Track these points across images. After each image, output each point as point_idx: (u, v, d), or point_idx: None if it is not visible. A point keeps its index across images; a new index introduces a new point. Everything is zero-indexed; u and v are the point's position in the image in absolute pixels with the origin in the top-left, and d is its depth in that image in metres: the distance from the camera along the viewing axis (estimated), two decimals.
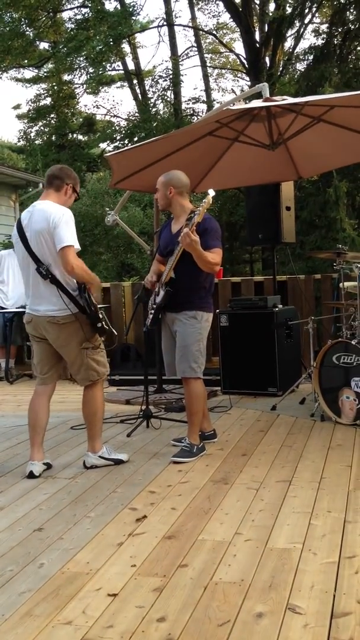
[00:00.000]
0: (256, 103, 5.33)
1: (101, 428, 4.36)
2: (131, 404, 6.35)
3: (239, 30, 21.94)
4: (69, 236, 3.97)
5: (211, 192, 4.14)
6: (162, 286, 4.48)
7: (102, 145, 25.63)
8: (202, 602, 2.48)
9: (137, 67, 24.55)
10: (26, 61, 23.72)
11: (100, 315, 4.16)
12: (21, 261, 4.21)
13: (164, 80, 22.53)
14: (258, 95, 5.98)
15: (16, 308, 8.12)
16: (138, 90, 24.26)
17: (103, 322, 4.17)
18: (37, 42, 23.03)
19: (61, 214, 4.03)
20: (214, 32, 25.55)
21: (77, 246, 4.01)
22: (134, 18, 21.55)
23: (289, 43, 21.27)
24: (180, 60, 23.82)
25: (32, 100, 25.04)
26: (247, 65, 21.77)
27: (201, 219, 4.19)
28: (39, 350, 4.32)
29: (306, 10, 15.65)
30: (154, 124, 20.18)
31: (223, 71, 27.66)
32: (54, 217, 4.00)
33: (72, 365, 4.25)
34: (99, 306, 4.23)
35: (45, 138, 25.45)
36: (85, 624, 2.37)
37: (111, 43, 20.39)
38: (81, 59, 21.39)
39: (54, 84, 24.16)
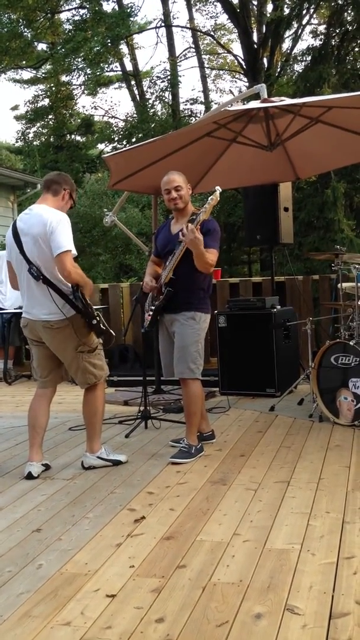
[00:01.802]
0: (254, 104, 5.33)
1: (100, 429, 4.36)
2: (129, 404, 6.35)
3: (236, 31, 21.94)
4: (66, 241, 3.97)
5: (218, 189, 4.14)
6: (162, 286, 4.48)
7: (100, 146, 25.66)
8: (200, 603, 2.48)
9: (135, 68, 24.56)
10: (24, 62, 23.71)
11: (96, 315, 4.16)
12: (16, 265, 4.21)
13: (162, 81, 22.56)
14: (256, 96, 5.98)
15: (14, 309, 8.12)
16: (136, 91, 24.27)
17: (100, 322, 4.17)
18: (35, 43, 23.01)
19: (58, 219, 4.03)
20: (212, 33, 25.57)
21: (74, 251, 4.02)
22: (131, 19, 21.55)
23: (286, 44, 21.31)
24: (178, 61, 23.85)
25: (30, 101, 25.02)
26: (245, 66, 21.78)
27: (207, 216, 4.20)
28: (37, 354, 4.32)
29: (304, 12, 15.67)
30: (152, 125, 20.19)
31: (221, 72, 27.68)
32: (51, 221, 4.00)
33: (69, 368, 4.25)
34: (95, 307, 4.23)
35: (43, 139, 25.43)
36: (84, 625, 2.37)
37: (109, 44, 20.38)
38: (79, 60, 21.39)
39: (52, 85, 24.15)
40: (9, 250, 4.24)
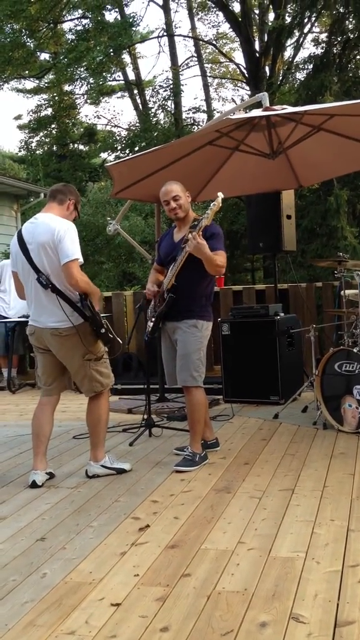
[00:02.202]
0: (256, 112, 5.35)
1: (104, 437, 4.36)
2: (133, 413, 6.34)
3: (238, 40, 22.00)
4: (73, 250, 4.00)
5: (220, 195, 4.15)
6: (164, 293, 4.49)
7: (103, 155, 25.72)
8: (205, 612, 2.48)
9: (137, 77, 24.65)
10: (27, 72, 23.79)
11: (104, 323, 4.18)
12: (22, 274, 4.22)
13: (164, 90, 22.59)
14: (258, 105, 6.00)
15: (18, 317, 8.13)
16: (139, 100, 24.35)
17: (107, 331, 4.19)
18: (38, 53, 23.11)
19: (66, 227, 4.06)
20: (214, 42, 25.66)
21: (81, 259, 4.05)
22: (134, 29, 21.63)
23: (288, 52, 21.34)
24: (180, 70, 23.92)
25: (33, 111, 25.12)
26: (247, 75, 21.83)
27: (209, 222, 4.21)
28: (43, 361, 4.33)
29: (305, 20, 15.67)
30: (155, 134, 20.23)
31: (223, 81, 27.76)
32: (58, 230, 4.02)
33: (76, 376, 4.26)
34: (101, 315, 4.25)
35: (46, 148, 25.52)
36: (89, 634, 2.36)
37: (111, 53, 20.47)
38: (82, 69, 21.47)
39: (55, 94, 24.24)
40: (14, 260, 4.26)
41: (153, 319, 4.60)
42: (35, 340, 4.27)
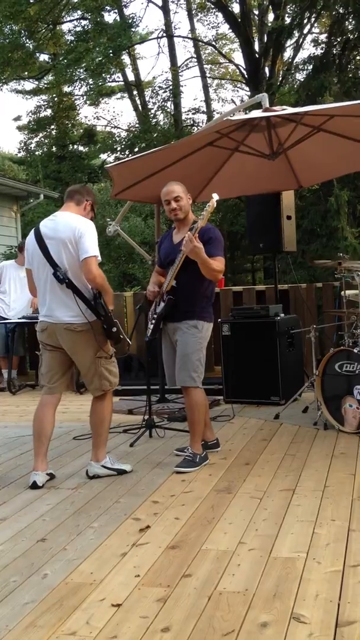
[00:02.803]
0: (256, 113, 5.35)
1: (107, 438, 4.36)
2: (134, 413, 6.34)
3: (238, 40, 22.03)
4: (93, 247, 4.08)
5: (215, 197, 4.15)
6: (163, 295, 4.49)
7: (103, 156, 25.73)
8: (206, 612, 2.48)
9: (137, 78, 24.67)
10: (26, 73, 23.82)
11: (116, 322, 4.22)
12: (37, 269, 4.25)
13: (164, 91, 22.63)
14: (258, 106, 6.00)
15: (18, 319, 8.13)
16: (138, 101, 24.37)
17: (119, 331, 4.22)
18: (37, 54, 23.13)
19: (87, 225, 4.16)
20: (213, 42, 25.68)
21: (99, 258, 4.11)
22: (133, 30, 21.65)
23: (288, 53, 21.36)
24: (180, 71, 23.94)
25: (32, 112, 25.16)
26: (246, 76, 21.85)
27: (205, 224, 4.21)
28: (50, 359, 4.33)
29: (305, 21, 15.68)
30: (155, 135, 20.25)
31: (223, 82, 27.78)
32: (80, 227, 4.10)
33: (86, 374, 4.26)
34: None
35: (45, 149, 25.55)
36: (89, 635, 2.36)
37: (111, 54, 20.48)
38: (81, 70, 21.50)
39: (54, 95, 24.28)
40: (30, 257, 4.29)
41: (153, 320, 4.61)
42: (47, 337, 4.28)
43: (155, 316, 4.58)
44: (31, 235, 4.28)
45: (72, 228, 4.10)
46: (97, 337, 4.16)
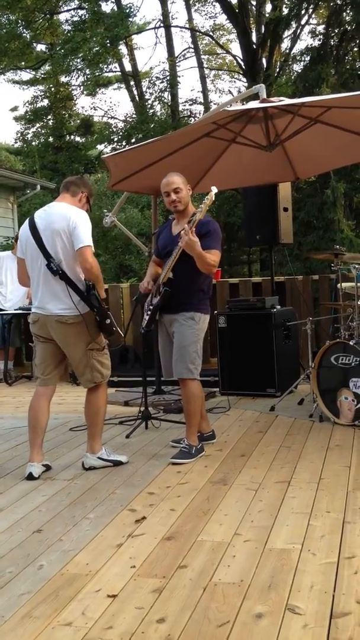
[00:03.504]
0: (253, 104, 5.33)
1: (102, 429, 4.36)
2: (130, 405, 6.35)
3: (235, 31, 21.95)
4: (87, 237, 4.07)
5: (214, 190, 4.14)
6: (160, 286, 4.49)
7: (100, 147, 25.68)
8: (201, 603, 2.48)
9: (134, 68, 24.59)
10: (23, 63, 23.73)
11: (109, 314, 4.22)
12: (30, 260, 4.24)
13: (161, 82, 22.58)
14: (255, 97, 5.97)
15: (14, 310, 8.12)
16: (135, 92, 24.29)
17: (112, 323, 4.22)
18: (34, 44, 23.04)
19: (80, 216, 4.14)
20: (211, 33, 25.58)
21: (93, 248, 4.09)
22: (130, 20, 21.55)
23: (285, 44, 21.32)
24: (177, 61, 23.86)
25: (29, 102, 25.06)
26: (244, 67, 21.79)
27: (203, 216, 4.20)
28: (43, 350, 4.33)
29: (302, 12, 15.66)
30: (152, 126, 20.21)
31: (220, 72, 27.71)
32: (74, 217, 4.09)
33: (78, 366, 4.26)
34: None
35: (42, 140, 25.46)
36: (85, 625, 2.37)
37: (108, 44, 20.39)
38: (78, 60, 21.40)
39: (51, 85, 24.17)
40: (23, 247, 4.27)
41: (149, 312, 4.60)
42: (38, 329, 4.27)
43: (151, 307, 4.58)
44: (25, 226, 4.27)
45: (66, 219, 4.09)
46: (89, 329, 4.15)
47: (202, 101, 23.81)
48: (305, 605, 2.42)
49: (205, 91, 25.08)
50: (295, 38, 19.71)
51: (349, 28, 13.37)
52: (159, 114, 22.73)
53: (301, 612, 2.38)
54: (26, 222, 4.30)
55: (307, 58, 13.74)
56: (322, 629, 2.26)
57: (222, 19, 24.30)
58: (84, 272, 4.10)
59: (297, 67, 16.74)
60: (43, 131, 25.64)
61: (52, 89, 24.21)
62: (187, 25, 24.74)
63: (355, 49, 14.37)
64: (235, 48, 28.10)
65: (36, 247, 4.15)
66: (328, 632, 2.24)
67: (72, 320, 4.13)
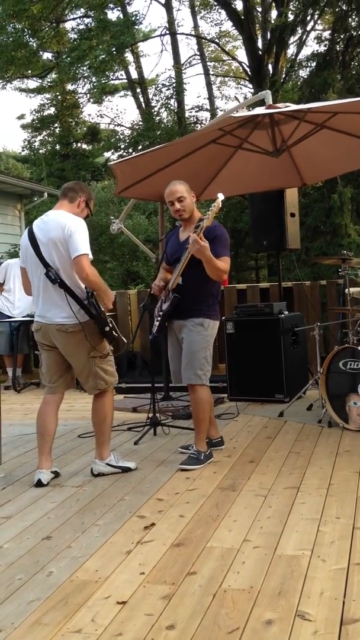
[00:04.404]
0: (259, 110, 5.35)
1: (109, 436, 4.36)
2: (138, 411, 6.35)
3: (241, 38, 21.98)
4: (84, 245, 4.04)
5: (220, 196, 4.14)
6: (169, 293, 4.49)
7: (107, 154, 25.73)
8: (211, 610, 2.48)
9: (140, 75, 24.65)
10: (30, 71, 23.82)
11: (109, 321, 4.20)
12: (30, 269, 4.25)
13: (167, 89, 22.61)
14: (261, 103, 5.99)
15: (22, 317, 8.14)
16: (141, 99, 24.36)
17: (112, 329, 4.21)
18: (41, 53, 23.13)
19: (77, 223, 4.11)
20: (217, 40, 25.64)
21: (91, 256, 4.07)
22: (136, 27, 21.62)
23: (291, 50, 21.31)
24: (183, 68, 23.92)
25: (36, 110, 25.16)
26: (249, 73, 21.81)
27: (210, 223, 4.20)
28: (47, 359, 4.34)
29: (308, 18, 15.65)
30: (158, 133, 20.25)
31: (226, 79, 27.73)
32: (69, 226, 4.06)
33: (81, 373, 4.27)
34: (107, 314, 4.26)
35: (49, 147, 25.56)
36: (95, 632, 2.37)
37: (114, 52, 20.46)
38: (84, 68, 21.48)
39: (58, 93, 24.28)
40: (24, 256, 4.28)
41: (159, 318, 4.61)
42: (41, 337, 4.28)
43: (160, 314, 4.59)
44: (25, 235, 4.27)
45: (62, 227, 4.06)
46: (90, 337, 4.15)
47: (209, 108, 23.83)
48: (315, 612, 2.41)
49: (211, 98, 25.13)
50: (301, 44, 19.70)
51: (355, 33, 13.36)
52: (165, 121, 22.77)
53: (311, 618, 2.37)
54: (26, 231, 4.30)
55: (313, 64, 13.72)
56: (333, 636, 2.25)
57: (228, 25, 24.40)
58: (82, 282, 4.09)
59: (303, 73, 16.73)
60: (50, 139, 25.74)
61: (59, 97, 24.32)
62: (193, 33, 24.81)
63: None
64: (241, 54, 28.16)
65: (35, 257, 4.15)
66: (338, 639, 2.23)
67: (72, 329, 4.13)
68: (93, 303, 4.09)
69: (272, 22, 20.17)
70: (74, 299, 4.10)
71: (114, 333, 4.23)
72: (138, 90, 24.58)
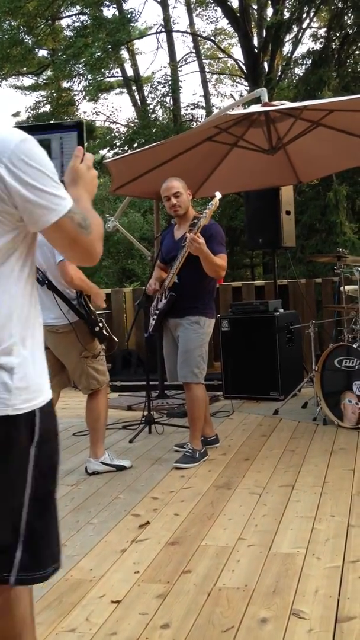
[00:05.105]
0: (255, 108, 5.35)
1: (104, 434, 4.36)
2: (133, 409, 6.34)
3: (237, 35, 21.94)
4: None
5: (218, 195, 4.14)
6: (165, 291, 4.49)
7: (102, 152, 25.66)
8: (205, 608, 2.48)
9: (136, 73, 24.59)
10: (25, 69, 23.76)
11: (99, 321, 4.19)
12: None
13: (162, 87, 22.55)
14: (257, 100, 5.99)
15: None
16: (137, 97, 24.30)
17: (103, 329, 4.20)
18: (36, 50, 23.05)
19: None
20: (212, 37, 25.58)
21: None
22: (132, 25, 21.56)
23: (287, 48, 21.28)
24: (179, 66, 23.85)
25: (31, 108, 25.12)
26: (245, 71, 21.78)
27: (208, 222, 4.20)
28: None
29: (304, 15, 15.66)
30: (154, 130, 20.20)
31: (222, 76, 27.68)
32: None
33: (74, 373, 4.27)
34: (98, 312, 4.25)
35: None
36: (89, 631, 2.36)
37: (110, 50, 20.41)
38: (80, 65, 21.42)
39: (53, 91, 24.21)
40: None
41: (155, 317, 4.60)
42: None
43: (157, 312, 4.58)
44: None
45: None
46: (81, 337, 4.14)
47: (204, 105, 23.78)
48: (310, 610, 2.41)
49: (207, 95, 25.07)
50: (296, 42, 19.68)
51: (350, 31, 13.36)
52: (160, 118, 22.73)
53: (306, 616, 2.37)
54: None
55: (309, 62, 13.73)
56: (327, 634, 2.25)
57: (224, 23, 24.31)
58: (68, 285, 4.07)
59: (299, 71, 16.72)
60: None
61: (54, 94, 24.25)
62: (189, 30, 24.75)
63: (357, 52, 14.37)
64: (237, 52, 28.04)
65: None
66: (333, 637, 2.23)
67: (62, 330, 4.13)
68: (82, 303, 4.09)
69: (268, 19, 20.13)
70: (62, 300, 4.09)
71: (104, 333, 4.22)
72: (134, 87, 24.52)
